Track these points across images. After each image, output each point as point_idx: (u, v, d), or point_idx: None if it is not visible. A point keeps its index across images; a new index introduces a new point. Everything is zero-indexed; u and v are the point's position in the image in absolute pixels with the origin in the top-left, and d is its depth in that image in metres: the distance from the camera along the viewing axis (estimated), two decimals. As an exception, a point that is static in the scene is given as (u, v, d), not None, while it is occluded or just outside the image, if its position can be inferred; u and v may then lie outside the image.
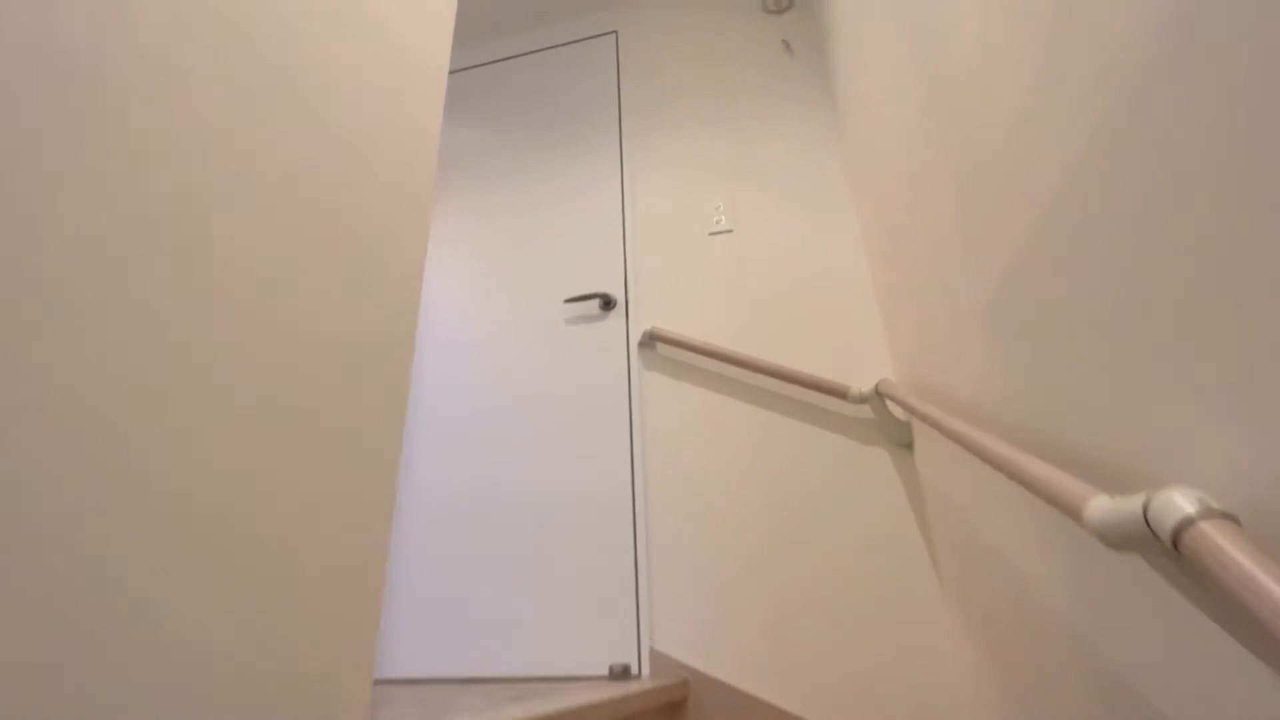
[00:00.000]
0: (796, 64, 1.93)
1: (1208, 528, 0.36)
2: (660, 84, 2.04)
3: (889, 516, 1.36)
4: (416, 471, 1.67)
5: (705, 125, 1.92)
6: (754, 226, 1.74)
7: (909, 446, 1.40)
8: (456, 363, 1.79)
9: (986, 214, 0.80)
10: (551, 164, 2.02)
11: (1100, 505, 0.47)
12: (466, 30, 2.34)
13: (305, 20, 0.64)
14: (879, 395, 1.36)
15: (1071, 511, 0.51)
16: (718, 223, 1.77)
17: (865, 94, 1.42)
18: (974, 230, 0.85)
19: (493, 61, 2.30)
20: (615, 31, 2.19)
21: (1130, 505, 0.44)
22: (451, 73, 2.33)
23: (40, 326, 0.35)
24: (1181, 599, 0.47)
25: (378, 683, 1.44)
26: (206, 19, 0.51)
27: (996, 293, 0.80)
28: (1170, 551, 0.39)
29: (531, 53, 2.27)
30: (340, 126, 0.67)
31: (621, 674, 1.34)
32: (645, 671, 1.35)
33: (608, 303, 1.74)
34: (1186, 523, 0.38)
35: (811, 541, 1.38)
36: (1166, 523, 0.39)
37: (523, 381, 1.71)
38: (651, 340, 1.63)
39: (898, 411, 1.38)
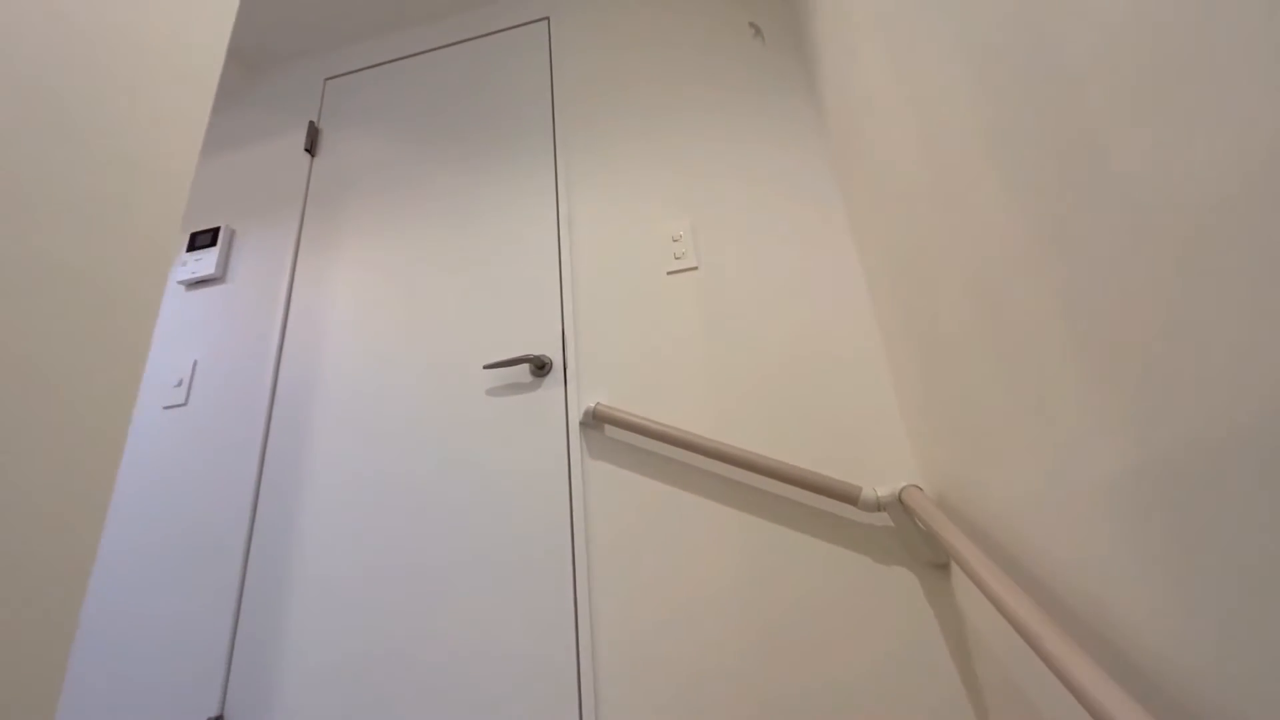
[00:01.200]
0: (768, 52, 1.56)
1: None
2: (603, 82, 1.65)
3: (916, 658, 1.00)
4: (289, 636, 1.26)
5: (659, 133, 1.54)
6: (725, 262, 1.36)
7: (944, 568, 1.03)
8: (339, 460, 1.38)
9: (1141, 299, 0.43)
10: (469, 186, 1.62)
11: None
12: (366, 22, 1.91)
13: None
14: (903, 504, 1.00)
15: None
16: (679, 257, 1.38)
17: (870, 93, 1.05)
18: (1103, 326, 0.48)
19: (398, 59, 1.88)
20: (547, 18, 1.79)
21: None
22: (347, 74, 1.91)
23: None
24: None
25: None
26: None
27: (1165, 451, 0.43)
28: None
29: (444, 47, 1.85)
30: None
31: None
32: None
33: (541, 366, 1.35)
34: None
35: (811, 688, 1.01)
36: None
37: (425, 481, 1.30)
38: (597, 421, 1.24)
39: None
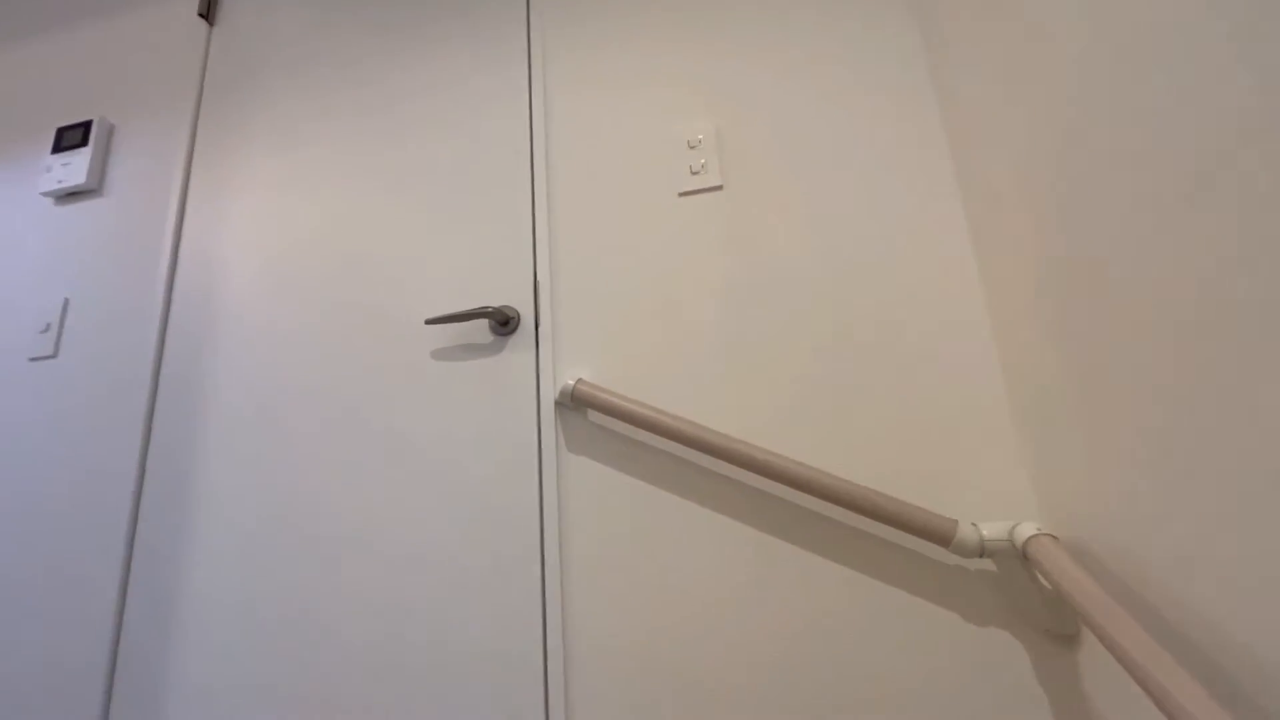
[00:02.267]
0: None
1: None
2: (596, -82, 1.18)
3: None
4: (182, 661, 0.97)
5: (673, -10, 1.09)
6: (760, 181, 0.97)
7: (1070, 640, 0.72)
8: (241, 443, 1.05)
9: None
10: (412, 66, 1.19)
11: None
12: None
13: None
14: (1024, 555, 0.68)
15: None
16: (696, 172, 0.99)
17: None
18: None
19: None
20: None
21: None
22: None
23: None
24: None
25: None
26: None
27: None
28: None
29: None
30: None
31: None
32: None
33: (504, 322, 0.99)
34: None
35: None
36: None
37: (348, 468, 0.98)
38: (577, 403, 0.90)
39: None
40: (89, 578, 1.04)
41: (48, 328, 1.20)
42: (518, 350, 0.98)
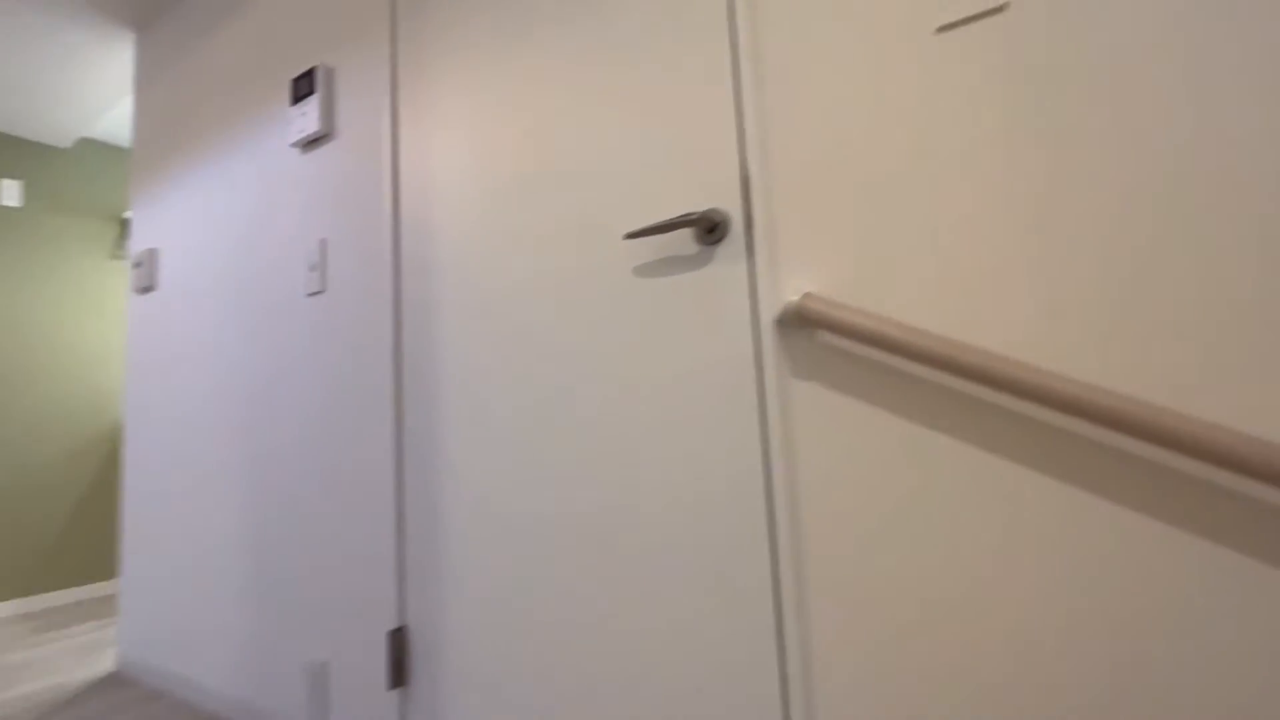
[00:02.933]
0: None
1: None
2: None
3: None
4: (454, 556, 1.09)
5: None
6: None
7: None
8: (467, 368, 1.09)
9: None
10: (586, -68, 1.03)
11: None
12: None
13: None
14: None
15: None
16: (963, -8, 0.71)
17: None
18: None
19: None
20: None
21: None
22: None
23: None
24: None
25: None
26: None
27: None
28: None
29: None
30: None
31: None
32: None
33: (711, 229, 0.85)
34: None
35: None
36: None
37: (536, 401, 0.97)
38: (805, 323, 0.75)
39: None
40: (371, 472, 1.22)
41: (314, 266, 1.37)
42: (726, 262, 0.85)
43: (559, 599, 0.96)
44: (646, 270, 0.92)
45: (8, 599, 2.53)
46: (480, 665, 1.05)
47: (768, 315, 0.80)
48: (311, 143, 1.42)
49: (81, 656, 2.02)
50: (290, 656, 1.34)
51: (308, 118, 1.39)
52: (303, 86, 1.41)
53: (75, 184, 2.82)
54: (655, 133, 0.92)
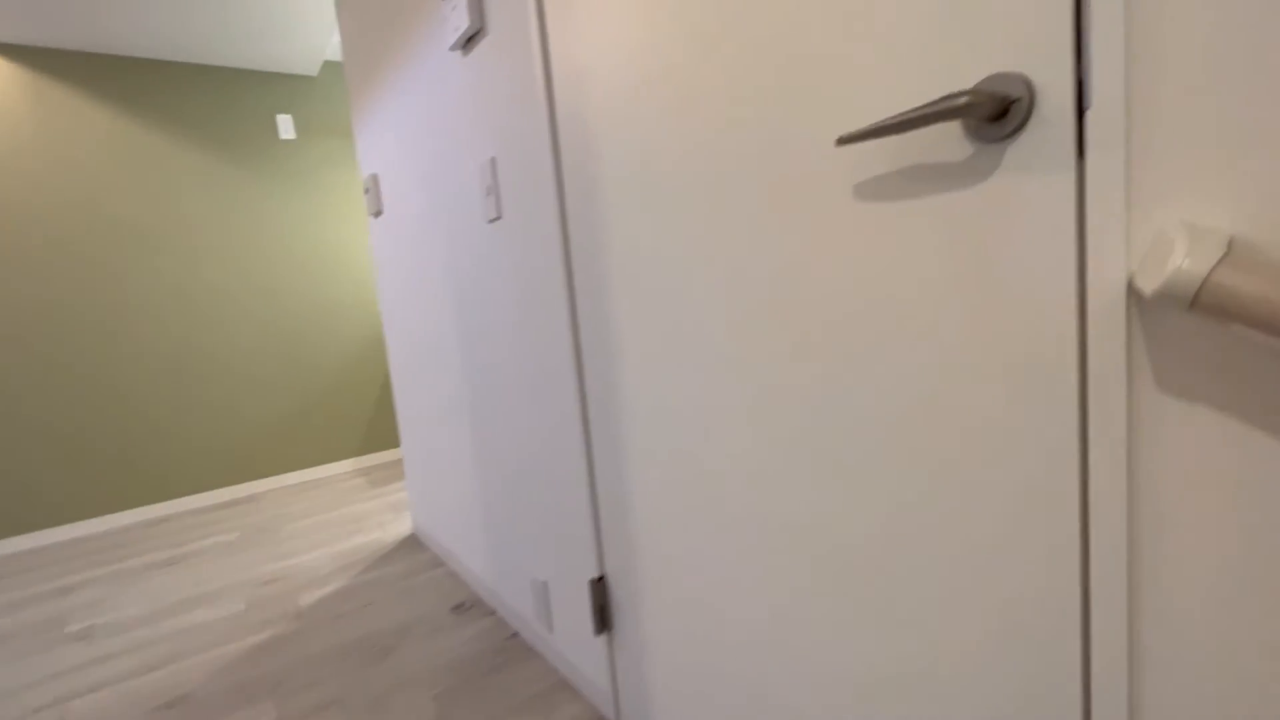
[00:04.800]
0: None
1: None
2: None
3: None
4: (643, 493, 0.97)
5: None
6: None
7: None
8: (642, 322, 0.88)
9: None
10: None
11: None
12: None
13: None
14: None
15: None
16: None
17: None
18: None
19: None
20: None
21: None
22: None
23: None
24: None
25: None
26: None
27: None
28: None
29: None
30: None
31: None
32: None
33: (1000, 114, 0.48)
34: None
35: None
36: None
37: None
38: (1200, 307, 0.37)
39: None
40: (557, 376, 1.15)
41: (489, 191, 1.26)
42: (1031, 171, 0.47)
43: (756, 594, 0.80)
44: (876, 191, 0.58)
45: (349, 457, 3.31)
46: (679, 612, 0.96)
47: (1111, 274, 0.44)
48: (467, 42, 1.24)
49: (397, 513, 2.55)
50: (521, 566, 1.45)
51: (458, 10, 1.20)
52: (448, -28, 1.21)
53: (328, 107, 3.14)
54: (894, -58, 0.53)
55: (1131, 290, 0.43)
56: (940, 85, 0.51)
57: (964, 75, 0.50)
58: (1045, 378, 0.48)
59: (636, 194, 0.87)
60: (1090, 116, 0.44)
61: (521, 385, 1.28)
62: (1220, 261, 0.35)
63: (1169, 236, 0.38)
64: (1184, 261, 0.36)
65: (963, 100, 0.46)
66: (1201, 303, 0.36)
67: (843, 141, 0.54)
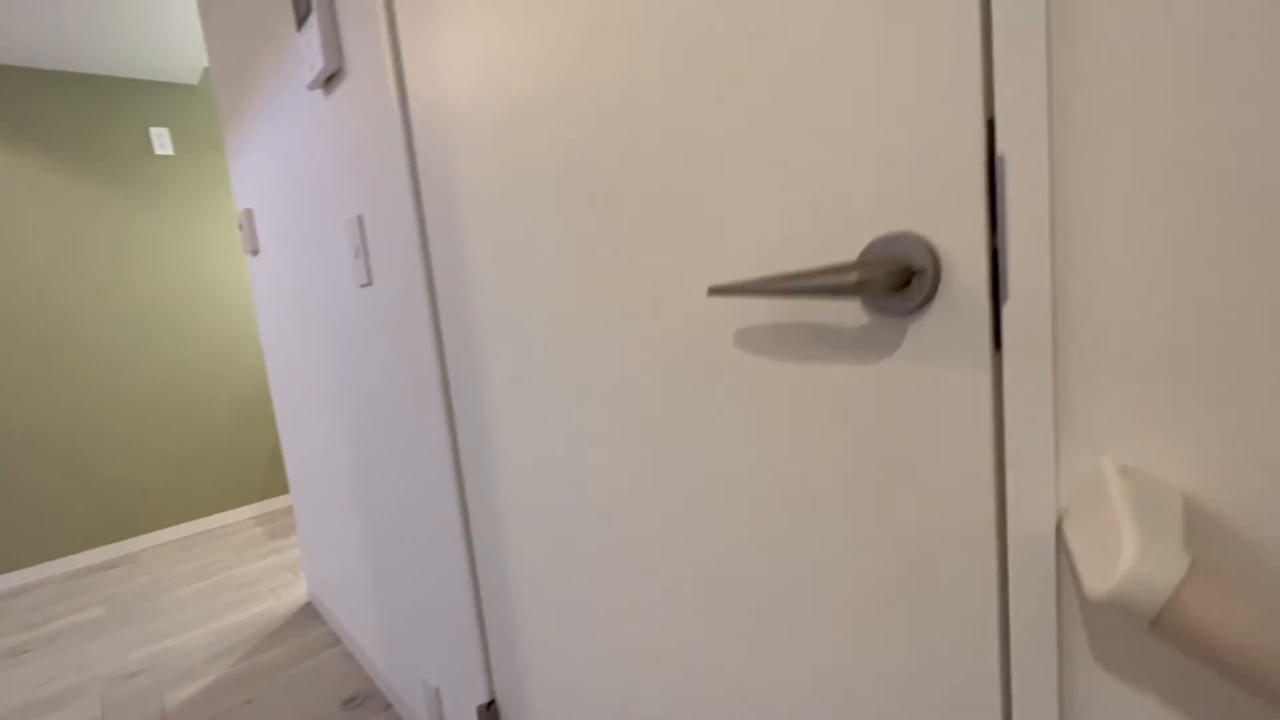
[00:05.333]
0: None
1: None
2: None
3: None
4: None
5: None
6: None
7: None
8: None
9: None
10: None
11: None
12: None
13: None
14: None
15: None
16: None
17: None
18: None
19: None
20: None
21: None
22: None
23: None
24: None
25: None
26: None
27: None
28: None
29: None
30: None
31: None
32: None
33: (902, 284, 0.37)
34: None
35: None
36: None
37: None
38: (1173, 635, 0.28)
39: None
40: (424, 424, 1.01)
41: (358, 252, 1.09)
42: (937, 360, 0.37)
43: None
44: (749, 366, 0.47)
45: (248, 503, 3.01)
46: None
47: (1036, 511, 0.34)
48: (326, 82, 1.07)
49: (294, 573, 2.31)
50: (414, 663, 1.29)
51: (311, 47, 1.03)
52: (300, 3, 1.03)
53: (212, 120, 2.83)
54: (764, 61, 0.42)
55: (1061, 538, 0.34)
56: (828, 238, 0.40)
57: (857, 227, 0.39)
58: (959, 621, 0.38)
59: (506, 303, 0.74)
60: (1008, 312, 0.34)
61: (402, 469, 1.12)
62: (1190, 571, 0.25)
63: (1115, 516, 0.28)
64: (1140, 564, 0.26)
65: (853, 278, 0.35)
66: (1167, 626, 0.26)
67: (715, 292, 0.43)
